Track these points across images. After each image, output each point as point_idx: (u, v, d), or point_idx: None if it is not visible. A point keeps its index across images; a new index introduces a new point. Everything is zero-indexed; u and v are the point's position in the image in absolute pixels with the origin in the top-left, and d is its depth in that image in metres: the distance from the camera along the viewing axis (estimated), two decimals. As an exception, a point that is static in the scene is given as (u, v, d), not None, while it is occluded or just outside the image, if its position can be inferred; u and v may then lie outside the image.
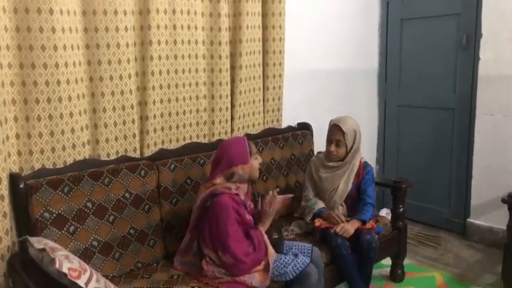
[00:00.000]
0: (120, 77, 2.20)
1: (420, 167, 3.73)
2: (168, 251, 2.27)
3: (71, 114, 2.05)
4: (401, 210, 2.73)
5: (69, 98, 2.03)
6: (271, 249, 2.07)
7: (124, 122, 2.26)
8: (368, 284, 2.44)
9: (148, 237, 2.21)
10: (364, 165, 2.55)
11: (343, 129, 2.44)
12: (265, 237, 2.10)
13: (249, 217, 2.10)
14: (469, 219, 3.42)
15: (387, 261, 2.84)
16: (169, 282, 2.02)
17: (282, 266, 2.05)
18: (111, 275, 2.04)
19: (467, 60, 3.33)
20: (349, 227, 2.36)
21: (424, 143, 3.70)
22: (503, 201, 2.43)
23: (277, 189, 2.21)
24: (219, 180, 2.07)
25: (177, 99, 2.49)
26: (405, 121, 3.82)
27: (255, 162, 2.13)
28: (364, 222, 2.42)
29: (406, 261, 2.91)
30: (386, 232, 2.67)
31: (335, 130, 2.47)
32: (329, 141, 2.50)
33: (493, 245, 3.14)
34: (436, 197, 3.64)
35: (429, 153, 3.68)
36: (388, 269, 2.88)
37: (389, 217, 2.88)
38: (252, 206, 2.25)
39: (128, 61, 2.22)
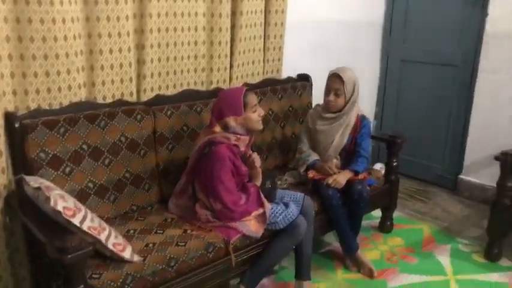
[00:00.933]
0: (118, 19, 2.15)
1: (418, 123, 3.74)
2: (163, 196, 2.32)
3: (67, 55, 2.02)
4: (394, 164, 2.77)
5: (65, 38, 1.99)
6: (267, 203, 2.11)
7: (121, 65, 2.23)
8: (357, 233, 2.52)
9: (144, 181, 2.24)
10: (361, 119, 2.55)
11: (343, 78, 2.41)
12: (260, 193, 2.13)
13: (245, 168, 2.12)
14: (460, 176, 3.47)
15: (377, 213, 2.92)
16: (163, 224, 2.08)
17: (273, 215, 2.11)
18: (106, 216, 2.10)
19: (475, 16, 3.25)
20: (341, 179, 2.40)
21: (424, 99, 3.68)
22: (496, 158, 2.46)
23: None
24: (217, 129, 2.07)
25: (175, 44, 2.44)
26: (407, 76, 3.78)
27: (253, 114, 2.09)
28: (356, 173, 2.45)
29: (396, 214, 2.99)
30: (378, 185, 2.72)
31: (334, 79, 2.45)
32: (328, 90, 2.48)
33: (483, 202, 3.20)
34: (431, 153, 3.68)
35: (428, 110, 3.67)
36: (378, 221, 2.96)
37: (383, 171, 2.92)
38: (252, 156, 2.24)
39: (126, 2, 2.16)
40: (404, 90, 3.82)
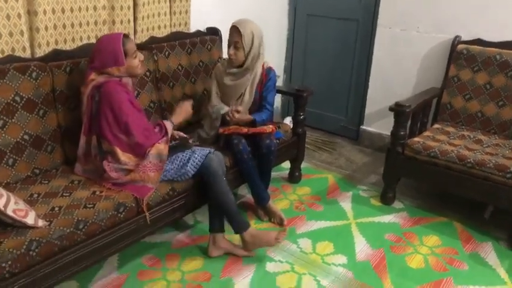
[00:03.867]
0: (0, -37, 1.92)
1: (324, 77, 3.90)
2: (68, 157, 2.22)
3: None
4: (301, 117, 2.88)
5: None
6: (162, 146, 2.07)
7: (8, 16, 2.02)
8: (267, 184, 2.62)
9: (45, 142, 2.12)
10: (267, 72, 2.58)
11: (241, 30, 2.40)
12: (171, 131, 2.13)
13: (138, 102, 2.12)
14: (362, 126, 3.73)
15: (286, 164, 3.05)
16: (69, 187, 2.00)
17: (182, 165, 2.11)
18: (6, 181, 1.97)
19: (374, -28, 3.40)
20: (240, 116, 2.43)
21: (329, 53, 3.83)
22: (390, 109, 2.66)
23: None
24: (93, 77, 2.01)
25: (71, -6, 2.26)
26: (313, 30, 3.88)
27: (134, 60, 2.05)
28: (254, 122, 2.49)
29: (304, 165, 3.16)
30: (286, 138, 2.83)
31: (233, 32, 2.44)
32: (228, 44, 2.47)
33: (380, 150, 3.48)
34: (336, 105, 3.89)
35: (333, 64, 3.83)
36: (287, 172, 3.10)
37: (291, 125, 3.04)
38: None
39: None
40: (310, 43, 3.93)
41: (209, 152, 2.18)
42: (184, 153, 2.16)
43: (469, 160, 2.44)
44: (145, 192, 2.00)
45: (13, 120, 1.98)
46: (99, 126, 2.00)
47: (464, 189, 2.52)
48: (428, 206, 2.83)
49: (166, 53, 2.66)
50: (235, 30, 2.42)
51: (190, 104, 2.32)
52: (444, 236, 2.53)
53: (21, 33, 2.09)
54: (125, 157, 2.00)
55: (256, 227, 2.52)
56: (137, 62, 2.07)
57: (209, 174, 2.13)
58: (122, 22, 2.53)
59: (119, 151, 1.99)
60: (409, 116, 2.70)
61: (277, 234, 2.22)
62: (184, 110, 2.28)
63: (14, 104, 1.98)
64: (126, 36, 2.05)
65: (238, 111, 2.42)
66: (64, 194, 1.93)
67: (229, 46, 2.46)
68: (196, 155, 2.14)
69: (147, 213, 1.99)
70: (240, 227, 2.22)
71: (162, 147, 2.06)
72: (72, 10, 2.29)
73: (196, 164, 2.12)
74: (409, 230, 2.58)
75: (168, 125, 2.15)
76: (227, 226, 2.25)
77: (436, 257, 2.36)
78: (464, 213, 2.74)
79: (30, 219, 1.65)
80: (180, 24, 2.93)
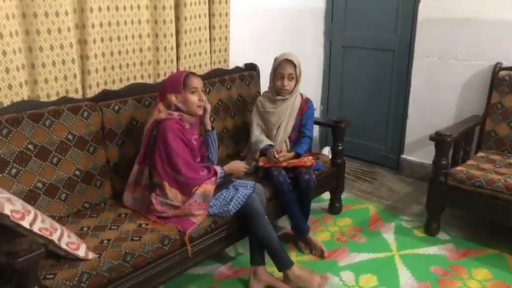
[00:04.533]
0: (57, 14, 2.09)
1: (361, 107, 3.91)
2: (116, 192, 2.32)
3: (4, 53, 1.95)
4: (340, 148, 2.89)
5: (1, 36, 1.92)
6: (209, 187, 2.13)
7: (63, 62, 2.18)
8: (307, 216, 2.63)
9: (95, 178, 2.23)
10: (306, 101, 2.70)
11: (295, 62, 2.55)
12: (218, 175, 2.18)
13: (195, 143, 2.21)
14: (402, 156, 3.68)
15: (326, 195, 3.05)
16: (117, 220, 2.08)
17: (225, 203, 2.17)
18: (58, 215, 2.08)
19: (409, 3, 3.43)
20: (284, 157, 2.51)
21: (366, 83, 3.85)
22: (431, 138, 2.63)
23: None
24: (161, 108, 2.13)
25: (118, 38, 2.41)
26: (349, 62, 3.93)
27: (192, 96, 2.15)
28: (298, 155, 2.58)
29: (344, 195, 3.14)
30: (325, 169, 2.84)
31: (287, 64, 2.56)
32: (280, 76, 2.58)
33: (422, 179, 3.41)
34: (375, 135, 3.87)
35: (370, 94, 3.84)
36: (327, 203, 3.09)
37: (330, 155, 3.04)
38: (199, 139, 2.33)
39: (64, -4, 2.10)
40: (347, 75, 3.97)
41: (252, 191, 2.22)
42: (228, 191, 2.22)
43: (517, 189, 2.36)
44: (189, 226, 2.05)
45: (66, 157, 2.11)
46: (153, 159, 2.10)
47: (513, 220, 2.43)
48: (476, 237, 2.73)
49: (208, 89, 2.76)
50: (288, 62, 2.55)
51: (244, 166, 2.36)
52: (495, 269, 2.43)
53: (75, 76, 2.24)
54: (172, 193, 2.08)
55: (297, 259, 2.52)
56: (195, 99, 2.16)
57: (251, 214, 2.17)
58: (165, 62, 2.67)
59: (167, 186, 2.07)
60: (451, 144, 2.66)
61: (320, 279, 2.23)
62: (236, 168, 2.31)
63: (67, 142, 2.11)
64: (192, 73, 2.21)
65: (279, 152, 2.51)
66: (112, 227, 2.02)
67: (281, 78, 2.58)
68: (239, 194, 2.19)
69: (188, 247, 2.03)
70: (283, 265, 2.23)
71: (209, 187, 2.12)
72: (120, 53, 2.44)
73: (239, 203, 2.17)
74: (457, 263, 2.49)
75: (218, 169, 2.20)
76: (268, 259, 2.26)
77: (487, 291, 2.26)
78: (515, 244, 2.63)
79: (81, 252, 1.74)
80: (219, 62, 3.05)
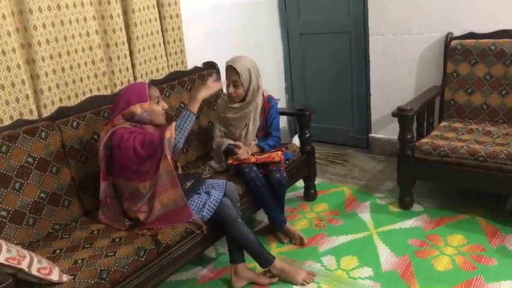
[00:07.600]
0: (-2, 36, 2.03)
1: (325, 91, 3.94)
2: (86, 209, 2.28)
3: None
4: (307, 135, 2.91)
5: None
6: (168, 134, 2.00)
7: (13, 84, 2.11)
8: (283, 208, 2.64)
9: (62, 198, 2.18)
10: (268, 100, 2.66)
11: (237, 69, 2.46)
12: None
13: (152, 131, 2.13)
14: (371, 134, 3.73)
15: (300, 183, 3.06)
16: (89, 238, 2.04)
17: (197, 210, 2.15)
18: (28, 241, 2.03)
19: (359, -16, 3.46)
20: (243, 151, 2.50)
21: (327, 68, 3.88)
22: (393, 114, 2.67)
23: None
24: (117, 120, 2.07)
25: (68, 53, 2.35)
26: (308, 48, 3.94)
27: (156, 106, 2.12)
28: (262, 150, 2.58)
29: (318, 181, 3.16)
30: (295, 157, 2.85)
31: (230, 71, 2.50)
32: (228, 82, 2.53)
33: (393, 155, 3.43)
34: (342, 117, 3.91)
35: (332, 78, 3.87)
36: (302, 191, 3.11)
37: (299, 144, 3.06)
38: None
39: (3, 17, 2.03)
40: (307, 61, 3.99)
41: (223, 194, 2.21)
42: (200, 197, 2.19)
43: (480, 154, 2.42)
44: (187, 214, 2.04)
45: (28, 181, 2.05)
46: (116, 171, 2.07)
47: (480, 184, 2.50)
48: (448, 205, 2.80)
49: (167, 93, 2.73)
50: (231, 69, 2.48)
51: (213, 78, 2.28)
52: (469, 233, 2.50)
53: (27, 97, 2.17)
54: (141, 186, 2.05)
55: (278, 250, 2.53)
56: (160, 108, 2.14)
57: (224, 219, 2.17)
58: (120, 71, 2.62)
59: (138, 184, 2.05)
60: (413, 118, 2.70)
61: (306, 275, 2.25)
62: (197, 89, 2.24)
63: (28, 165, 2.05)
64: (150, 85, 2.15)
65: (239, 147, 2.50)
66: (85, 246, 1.98)
67: (228, 85, 2.52)
68: (211, 199, 2.17)
69: (203, 226, 2.11)
70: (265, 262, 2.25)
71: (168, 135, 1.99)
72: (71, 68, 2.38)
73: (212, 208, 2.16)
74: (432, 232, 2.55)
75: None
76: (248, 255, 2.26)
77: (463, 256, 2.32)
78: (485, 207, 2.71)
79: (54, 276, 1.70)
80: (177, 64, 3.01)
